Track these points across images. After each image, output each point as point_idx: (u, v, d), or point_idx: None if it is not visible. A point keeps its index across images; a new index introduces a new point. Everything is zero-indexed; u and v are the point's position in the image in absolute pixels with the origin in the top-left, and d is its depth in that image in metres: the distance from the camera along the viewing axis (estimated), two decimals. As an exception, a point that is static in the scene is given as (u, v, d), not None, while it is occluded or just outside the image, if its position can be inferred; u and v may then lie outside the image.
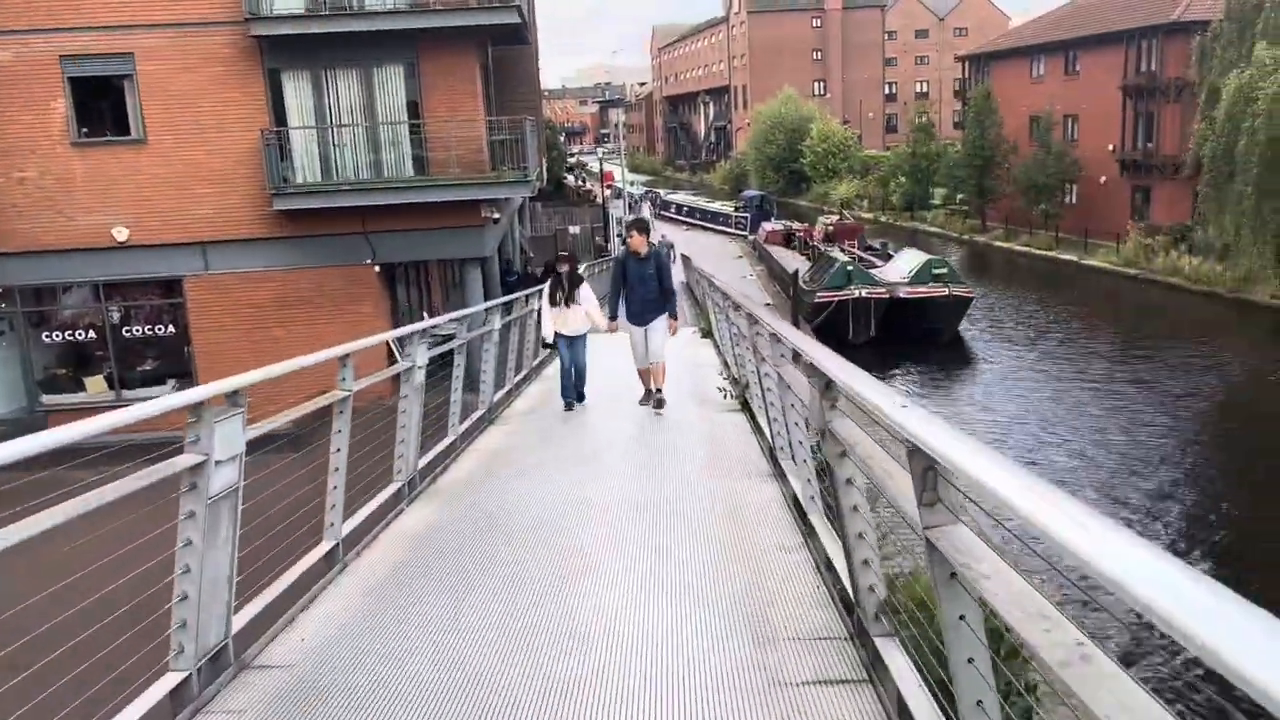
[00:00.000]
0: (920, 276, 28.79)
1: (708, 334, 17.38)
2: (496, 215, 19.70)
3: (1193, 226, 36.79)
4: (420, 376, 7.44)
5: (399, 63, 19.26)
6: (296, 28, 18.26)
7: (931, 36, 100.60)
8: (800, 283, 29.19)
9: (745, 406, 9.37)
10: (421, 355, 7.47)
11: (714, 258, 43.13)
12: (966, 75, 54.64)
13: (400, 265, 22.44)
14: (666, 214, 65.70)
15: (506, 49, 24.38)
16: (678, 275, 36.60)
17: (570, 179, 72.86)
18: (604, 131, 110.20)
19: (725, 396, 9.93)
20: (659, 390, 9.83)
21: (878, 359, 27.38)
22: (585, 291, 10.63)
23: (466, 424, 9.35)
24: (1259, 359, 25.13)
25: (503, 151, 19.99)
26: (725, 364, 12.48)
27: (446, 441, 8.58)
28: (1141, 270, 35.79)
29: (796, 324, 26.61)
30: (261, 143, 18.36)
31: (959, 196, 53.83)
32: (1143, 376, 24.24)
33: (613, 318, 9.90)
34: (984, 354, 28.04)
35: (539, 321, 11.82)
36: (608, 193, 43.64)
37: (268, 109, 18.79)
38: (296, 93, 19.04)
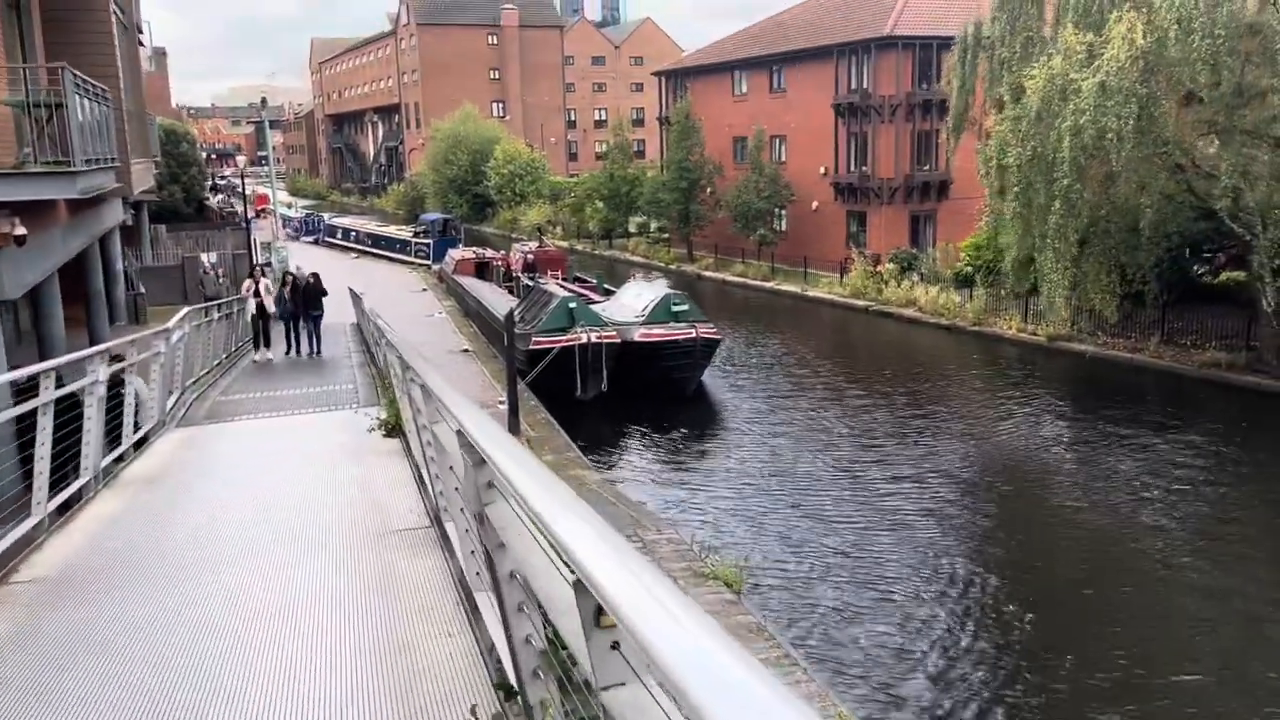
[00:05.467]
0: (657, 315, 23.25)
1: (394, 430, 10.23)
2: (21, 231, 11.60)
3: (918, 254, 34.57)
4: None
5: None
6: None
7: (608, 64, 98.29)
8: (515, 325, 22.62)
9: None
10: None
11: (394, 293, 35.74)
12: (663, 92, 50.91)
13: None
14: (333, 240, 56.90)
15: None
16: (343, 317, 26.06)
17: (214, 200, 62.19)
18: (261, 154, 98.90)
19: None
20: None
21: (612, 422, 21.50)
22: None
23: None
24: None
25: (41, 131, 12.08)
26: (442, 535, 5.77)
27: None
28: (871, 302, 32.75)
29: (514, 377, 20.09)
30: None
31: (654, 225, 49.96)
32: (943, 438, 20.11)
33: None
34: (739, 411, 22.92)
35: None
36: (253, 215, 35.00)
37: None
38: None
